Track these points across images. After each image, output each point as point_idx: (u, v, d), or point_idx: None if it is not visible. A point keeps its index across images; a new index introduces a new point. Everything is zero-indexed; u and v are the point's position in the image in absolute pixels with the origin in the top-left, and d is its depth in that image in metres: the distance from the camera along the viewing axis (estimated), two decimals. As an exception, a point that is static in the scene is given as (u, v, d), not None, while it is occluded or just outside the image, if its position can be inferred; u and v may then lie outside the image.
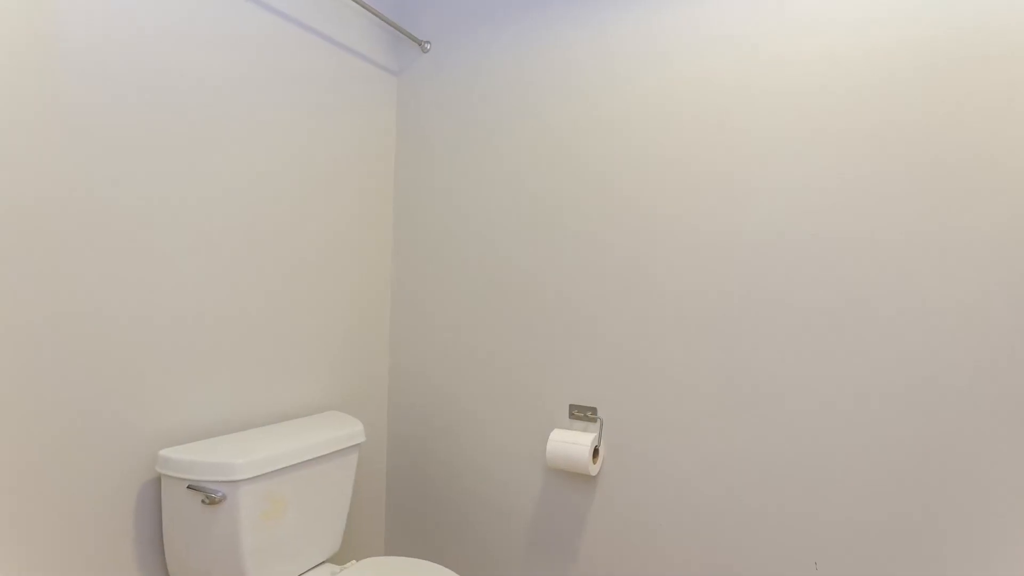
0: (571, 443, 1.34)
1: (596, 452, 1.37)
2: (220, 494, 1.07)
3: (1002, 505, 1.01)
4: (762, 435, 1.21)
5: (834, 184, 1.15)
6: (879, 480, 1.10)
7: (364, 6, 1.44)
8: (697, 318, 1.28)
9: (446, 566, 1.62)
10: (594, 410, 1.40)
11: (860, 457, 1.11)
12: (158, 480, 1.15)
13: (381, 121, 1.69)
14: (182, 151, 1.17)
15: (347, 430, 1.33)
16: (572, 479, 1.43)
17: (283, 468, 1.16)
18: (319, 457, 1.25)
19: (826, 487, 1.14)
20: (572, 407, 1.43)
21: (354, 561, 1.31)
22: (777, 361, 1.19)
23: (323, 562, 1.30)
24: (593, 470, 1.34)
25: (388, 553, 1.75)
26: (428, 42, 1.67)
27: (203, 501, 1.06)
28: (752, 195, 1.22)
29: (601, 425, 1.39)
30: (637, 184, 1.35)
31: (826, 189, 1.15)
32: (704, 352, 1.27)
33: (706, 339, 1.26)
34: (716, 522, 1.25)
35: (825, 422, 1.15)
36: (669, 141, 1.32)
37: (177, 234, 1.17)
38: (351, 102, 1.58)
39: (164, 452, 1.10)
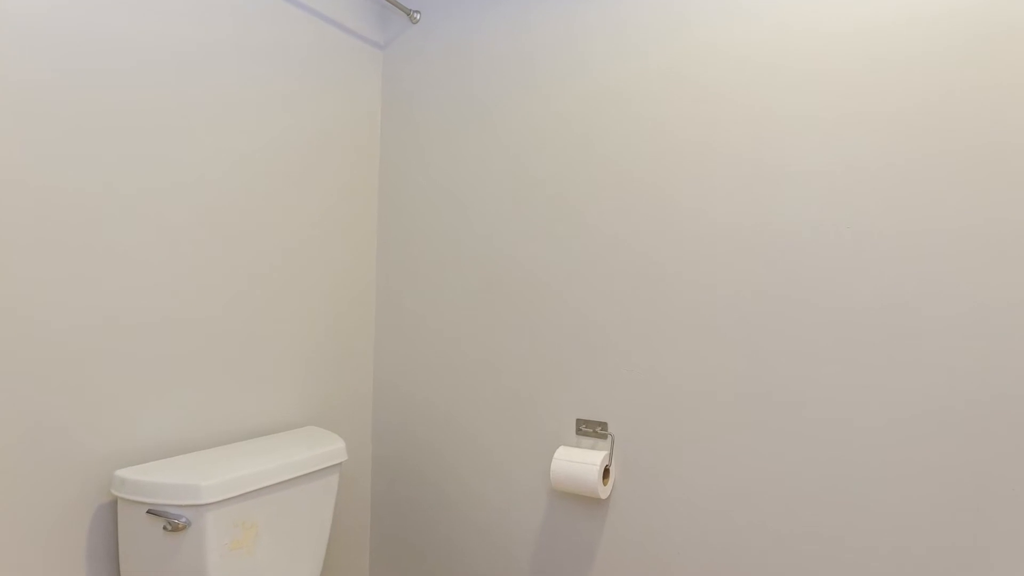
0: (578, 462, 1.34)
1: (607, 472, 1.37)
2: (184, 520, 1.07)
3: (1064, 532, 1.01)
4: (792, 454, 1.20)
5: (874, 170, 1.15)
6: (923, 506, 1.10)
7: (345, -29, 1.44)
8: (719, 322, 1.28)
9: (438, 601, 1.62)
10: (604, 425, 1.40)
11: (902, 480, 1.11)
12: (114, 504, 1.15)
13: (365, 100, 1.69)
14: (140, 133, 1.17)
15: (327, 448, 1.33)
16: (579, 503, 1.43)
17: (255, 490, 1.16)
18: (296, 478, 1.25)
19: (863, 513, 1.14)
20: (579, 422, 1.43)
21: (334, 595, 1.31)
22: (809, 371, 1.19)
23: (300, 596, 1.30)
24: (603, 492, 1.34)
25: (373, 584, 1.75)
26: (417, 12, 1.67)
27: (165, 528, 1.06)
28: (782, 183, 1.22)
29: (612, 442, 1.39)
30: (651, 171, 1.35)
31: (864, 176, 1.15)
32: (726, 360, 1.27)
33: (729, 346, 1.26)
34: (740, 550, 1.25)
35: (863, 439, 1.14)
36: (688, 122, 1.32)
37: (134, 227, 1.17)
38: (331, 79, 1.58)
39: (120, 472, 1.10)
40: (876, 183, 1.14)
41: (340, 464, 1.38)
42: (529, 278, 1.50)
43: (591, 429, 1.42)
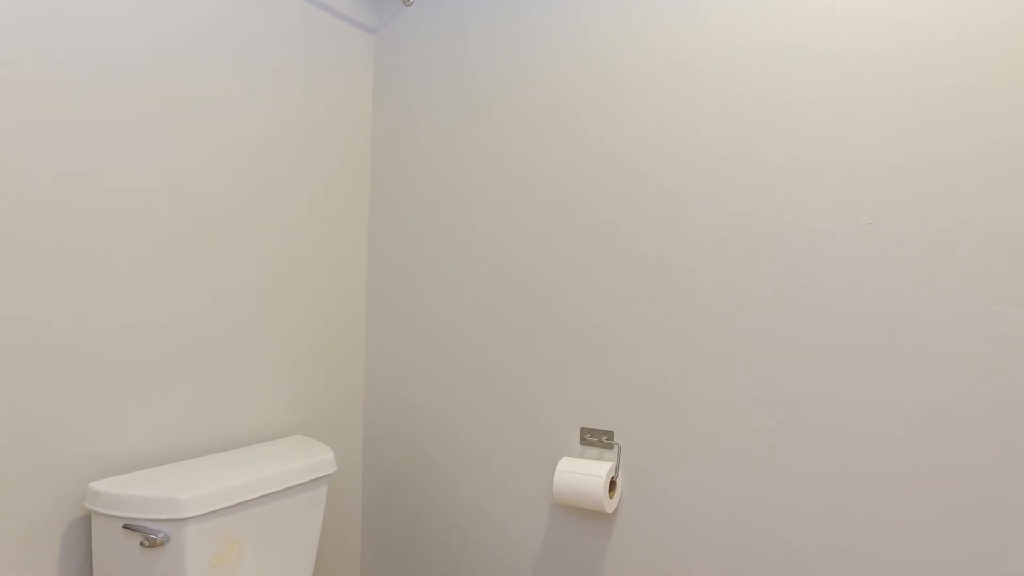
0: (583, 474, 1.33)
1: (613, 484, 1.36)
2: (162, 535, 1.06)
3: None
4: (809, 463, 1.20)
5: (896, 164, 1.14)
6: (947, 519, 1.09)
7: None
8: (732, 324, 1.27)
9: (433, 621, 1.62)
10: (610, 435, 1.40)
11: (927, 491, 1.11)
12: (87, 518, 1.14)
13: (356, 88, 1.68)
14: (118, 125, 1.17)
15: (315, 458, 1.33)
16: (584, 517, 1.43)
17: (238, 504, 1.16)
18: (282, 491, 1.25)
19: (885, 525, 1.14)
20: (584, 431, 1.43)
21: (323, 615, 1.31)
22: (827, 377, 1.18)
23: (286, 617, 1.30)
24: (609, 506, 1.33)
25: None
26: (412, -6, 1.66)
27: (142, 544, 1.05)
28: (798, 174, 1.21)
29: (619, 452, 1.38)
30: (659, 163, 1.35)
31: (885, 171, 1.14)
32: (740, 365, 1.26)
33: (743, 349, 1.26)
34: (753, 564, 1.24)
35: (885, 448, 1.14)
36: (699, 109, 1.31)
37: (112, 224, 1.16)
38: (320, 66, 1.57)
39: (95, 485, 1.09)
40: (898, 179, 1.14)
41: (329, 476, 1.37)
42: (530, 277, 1.50)
43: (596, 439, 1.41)
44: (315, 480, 1.33)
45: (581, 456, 1.43)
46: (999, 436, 1.06)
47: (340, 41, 1.63)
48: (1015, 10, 1.06)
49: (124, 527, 1.07)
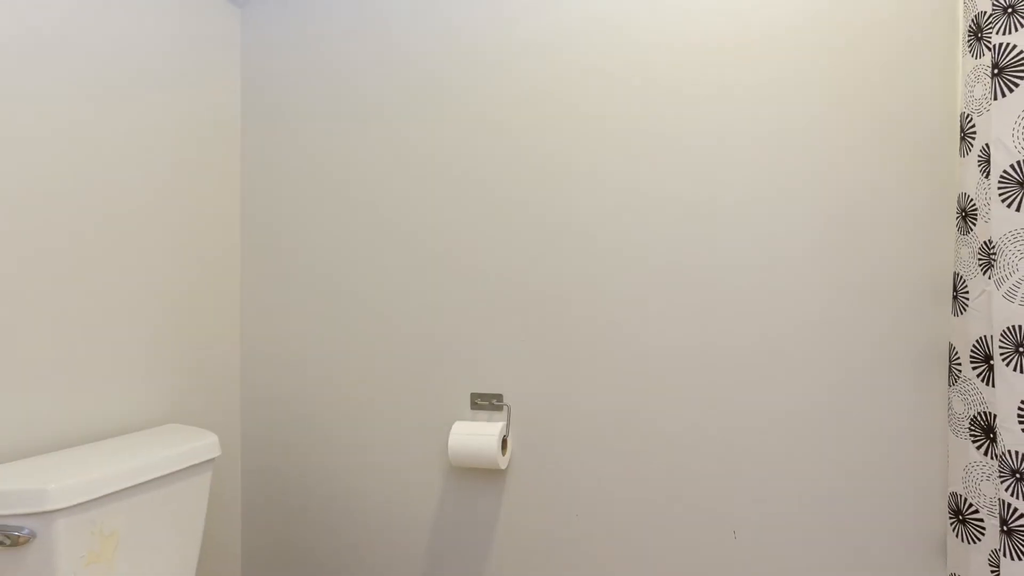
0: (477, 435, 1.36)
1: (504, 443, 1.41)
2: (26, 532, 0.93)
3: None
4: (680, 408, 1.32)
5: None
6: (791, 451, 1.26)
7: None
8: (610, 287, 1.36)
9: (326, 605, 1.55)
10: (499, 397, 1.44)
11: (771, 431, 1.27)
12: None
13: (222, 60, 1.58)
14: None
15: (197, 443, 1.24)
16: (479, 476, 1.46)
17: (114, 493, 1.05)
18: (163, 477, 1.14)
19: (737, 482, 1.28)
20: (475, 396, 1.46)
21: (214, 605, 1.21)
22: (682, 332, 1.31)
23: (171, 613, 1.19)
24: (503, 463, 1.38)
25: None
26: (281, -31, 1.60)
27: (2, 543, 0.92)
28: (667, 153, 1.34)
29: (508, 413, 1.43)
30: (535, 132, 1.41)
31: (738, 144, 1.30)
32: (612, 324, 1.36)
33: (614, 309, 1.36)
34: (635, 509, 1.35)
35: (745, 376, 1.29)
36: (563, 88, 1.39)
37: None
38: (184, 35, 1.45)
39: (-64, 484, 0.93)
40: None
41: (212, 461, 1.28)
42: (414, 248, 1.50)
43: (487, 402, 1.45)
44: (198, 465, 1.24)
45: (473, 420, 1.46)
46: (816, 377, 1.25)
47: (200, 14, 1.52)
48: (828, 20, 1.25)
49: (-23, 528, 0.92)
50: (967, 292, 1.10)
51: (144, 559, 1.12)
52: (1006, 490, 0.96)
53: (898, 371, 1.19)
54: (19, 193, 1.11)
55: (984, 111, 1.04)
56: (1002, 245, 0.97)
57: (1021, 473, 0.94)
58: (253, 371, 1.65)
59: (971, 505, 1.09)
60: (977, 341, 1.07)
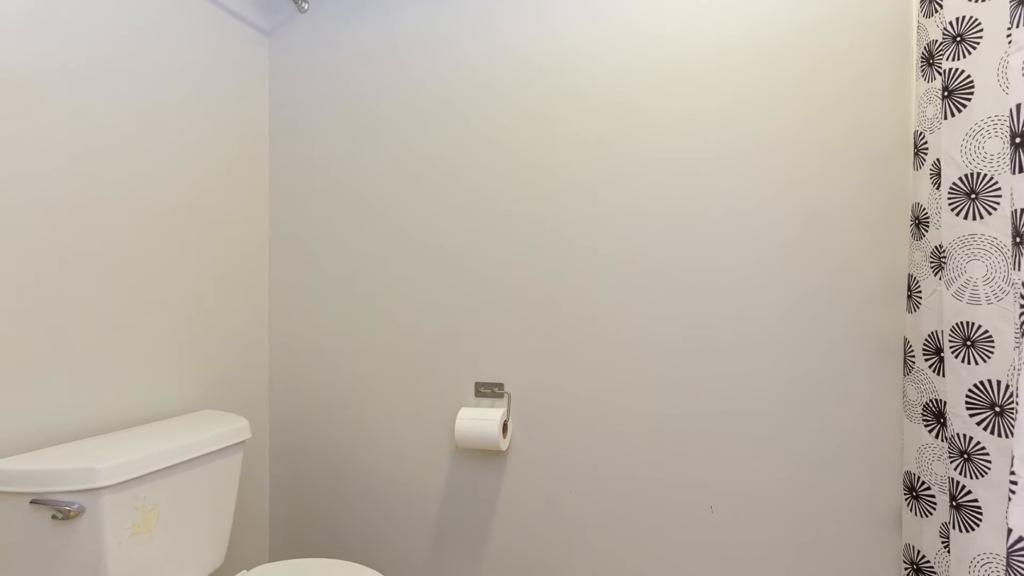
0: (480, 419, 1.38)
1: (505, 427, 1.42)
2: (76, 506, 0.94)
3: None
4: (664, 408, 1.33)
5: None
6: (762, 434, 1.27)
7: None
8: (605, 284, 1.37)
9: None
10: (501, 386, 1.45)
11: (744, 416, 1.28)
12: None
13: (251, 81, 1.58)
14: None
15: (229, 427, 1.25)
16: (482, 456, 1.47)
17: (156, 471, 1.06)
18: (199, 457, 1.16)
19: (718, 445, 1.30)
20: (478, 384, 1.47)
21: (245, 572, 1.22)
22: (666, 327, 1.32)
23: (206, 579, 1.20)
24: (504, 445, 1.39)
25: (273, 558, 1.64)
26: (306, 0, 1.60)
27: (54, 516, 0.93)
28: (644, 167, 1.35)
29: (509, 400, 1.44)
30: (536, 151, 1.42)
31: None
32: (603, 318, 1.37)
33: (607, 303, 1.37)
34: (626, 486, 1.36)
35: (718, 384, 1.30)
36: (567, 113, 1.40)
37: (4, 205, 1.01)
38: (214, 61, 1.46)
39: (-3, 463, 0.95)
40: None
41: (243, 443, 1.29)
42: (428, 248, 1.51)
43: (489, 390, 1.46)
44: (231, 447, 1.25)
45: (477, 406, 1.47)
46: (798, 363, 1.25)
47: (233, 40, 1.52)
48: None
49: (32, 502, 0.94)
50: (920, 292, 1.11)
51: (183, 530, 1.13)
52: (955, 469, 0.97)
53: (858, 362, 1.21)
54: (72, 201, 1.12)
55: (935, 129, 1.05)
56: (951, 249, 0.98)
57: (968, 454, 0.95)
58: (280, 362, 1.66)
59: (924, 483, 1.10)
60: (929, 335, 1.08)
